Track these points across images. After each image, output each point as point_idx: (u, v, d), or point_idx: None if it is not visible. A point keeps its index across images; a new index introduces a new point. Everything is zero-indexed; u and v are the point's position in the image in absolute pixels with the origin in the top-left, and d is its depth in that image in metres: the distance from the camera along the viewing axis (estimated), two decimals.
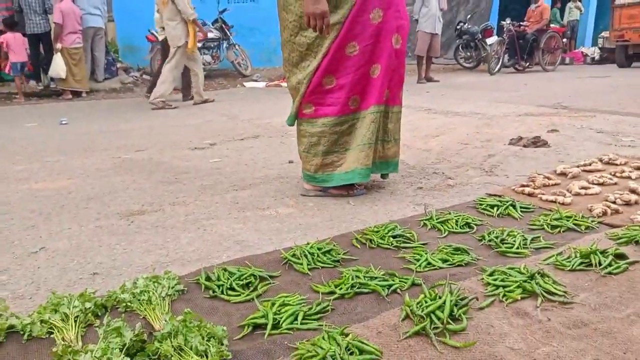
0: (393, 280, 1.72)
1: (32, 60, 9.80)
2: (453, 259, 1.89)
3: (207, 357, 1.30)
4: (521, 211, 2.44)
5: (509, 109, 6.22)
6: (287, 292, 1.70)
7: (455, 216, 2.35)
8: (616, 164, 3.19)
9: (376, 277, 1.74)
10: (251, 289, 1.73)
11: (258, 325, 1.50)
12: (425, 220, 2.35)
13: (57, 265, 2.04)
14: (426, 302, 1.53)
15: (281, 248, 2.06)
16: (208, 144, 4.64)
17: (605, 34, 14.70)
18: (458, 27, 13.12)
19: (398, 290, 1.67)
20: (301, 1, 2.52)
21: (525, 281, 1.64)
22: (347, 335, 1.39)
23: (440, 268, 1.84)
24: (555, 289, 1.61)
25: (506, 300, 1.58)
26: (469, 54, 13.24)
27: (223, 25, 11.14)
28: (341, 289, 1.68)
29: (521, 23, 12.73)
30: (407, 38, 2.79)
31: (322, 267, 1.89)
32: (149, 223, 2.51)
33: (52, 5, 9.39)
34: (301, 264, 1.89)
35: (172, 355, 1.29)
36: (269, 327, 1.46)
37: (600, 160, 3.28)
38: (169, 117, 6.75)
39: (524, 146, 3.97)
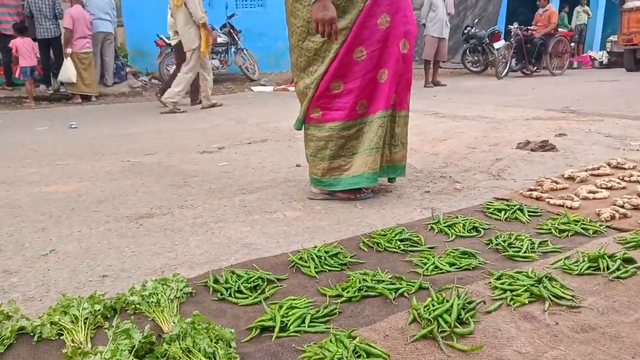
0: (400, 284, 1.72)
1: (42, 65, 9.90)
2: (460, 263, 1.89)
3: (215, 359, 1.31)
4: (529, 215, 2.43)
5: (516, 113, 6.21)
6: (295, 295, 1.71)
7: (462, 220, 2.35)
8: (624, 168, 3.17)
9: (383, 281, 1.75)
10: (259, 291, 1.74)
11: (266, 327, 1.51)
12: (433, 224, 2.35)
13: (67, 267, 2.06)
14: (433, 305, 1.53)
15: (289, 251, 2.07)
16: (216, 147, 4.66)
17: (613, 37, 14.63)
18: (465, 31, 13.11)
19: (405, 294, 1.67)
20: (309, 7, 2.54)
21: (532, 285, 1.64)
22: (354, 338, 1.39)
23: (448, 272, 1.84)
24: (563, 293, 1.61)
25: (514, 304, 1.57)
26: (476, 58, 13.21)
27: (231, 30, 11.19)
28: (348, 292, 1.69)
29: (529, 27, 12.69)
30: (414, 43, 2.80)
31: (330, 271, 1.90)
32: (158, 226, 2.53)
33: (62, 11, 9.49)
34: (308, 267, 1.90)
35: (180, 357, 1.30)
36: (276, 329, 1.47)
37: (609, 165, 3.26)
38: (177, 121, 6.79)
39: (532, 150, 3.96)
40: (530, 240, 2.08)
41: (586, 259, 1.83)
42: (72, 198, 3.11)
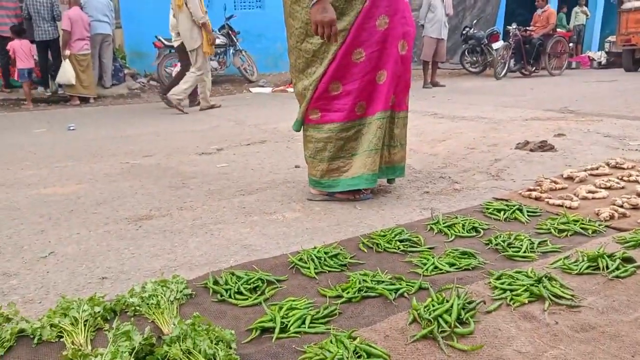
0: (400, 284, 1.72)
1: (40, 67, 9.89)
2: (460, 263, 1.89)
3: None
4: (528, 215, 2.43)
5: (515, 113, 6.21)
6: (295, 296, 1.71)
7: (462, 220, 2.35)
8: (623, 168, 3.18)
9: (383, 281, 1.75)
10: (259, 293, 1.74)
11: (266, 328, 1.50)
12: (432, 224, 2.35)
13: (66, 269, 2.06)
14: (433, 305, 1.53)
15: (288, 252, 2.07)
16: (215, 149, 4.66)
17: (611, 38, 14.65)
18: (464, 32, 13.12)
19: (405, 294, 1.67)
20: (307, 8, 2.54)
21: (532, 285, 1.64)
22: (354, 338, 1.39)
23: (448, 272, 1.84)
24: (562, 292, 1.61)
25: (513, 303, 1.57)
26: (475, 58, 13.22)
27: (230, 32, 11.19)
28: (348, 292, 1.69)
29: (527, 28, 12.71)
30: (413, 44, 2.80)
31: (329, 271, 1.90)
32: (157, 228, 2.53)
33: (60, 13, 9.49)
34: (308, 268, 1.90)
35: (181, 359, 1.30)
36: (276, 330, 1.47)
37: (608, 164, 3.27)
38: (175, 122, 6.79)
39: (531, 150, 3.96)
40: (530, 240, 2.08)
41: (585, 258, 1.83)
42: (70, 200, 3.10)
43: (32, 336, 1.48)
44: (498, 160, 3.73)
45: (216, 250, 2.20)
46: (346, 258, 1.99)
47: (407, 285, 1.72)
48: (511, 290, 1.64)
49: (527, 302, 1.58)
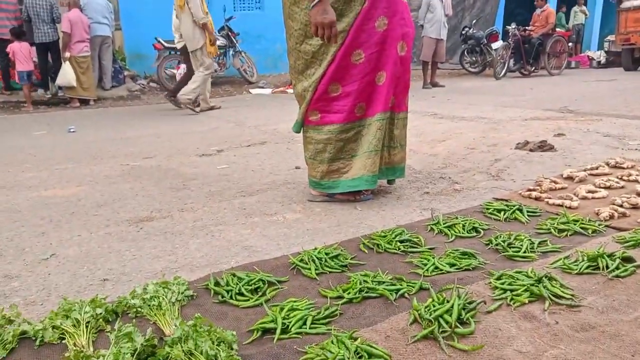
0: (401, 285, 1.73)
1: (40, 69, 9.91)
2: (460, 263, 1.90)
3: None
4: (528, 215, 2.44)
5: (515, 113, 6.22)
6: (296, 297, 1.71)
7: (462, 220, 2.36)
8: (623, 168, 3.18)
9: (384, 282, 1.75)
10: (260, 294, 1.75)
11: (267, 329, 1.51)
12: (432, 224, 2.36)
13: (68, 271, 2.06)
14: (434, 306, 1.53)
15: (289, 253, 2.08)
16: (215, 150, 4.67)
17: (611, 37, 14.67)
18: (463, 32, 13.14)
19: (406, 295, 1.68)
20: (306, 10, 2.55)
21: (532, 285, 1.65)
22: (355, 339, 1.40)
23: (448, 272, 1.85)
24: (562, 292, 1.62)
25: (514, 303, 1.58)
26: (474, 58, 13.24)
27: (229, 33, 11.21)
28: (349, 293, 1.69)
29: (526, 27, 12.72)
30: (412, 45, 2.81)
31: (330, 272, 1.90)
32: (158, 229, 2.54)
33: (60, 15, 9.50)
34: (309, 269, 1.90)
35: None
36: (278, 331, 1.47)
37: (607, 164, 3.27)
38: (175, 124, 6.80)
39: (531, 150, 3.97)
40: (530, 240, 2.09)
41: (585, 258, 1.84)
42: (71, 202, 3.11)
43: (34, 338, 1.49)
44: (498, 160, 3.74)
45: (217, 252, 2.21)
46: (347, 259, 1.99)
47: (407, 285, 1.72)
48: (511, 290, 1.64)
49: (527, 302, 1.58)
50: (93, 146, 5.25)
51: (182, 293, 1.72)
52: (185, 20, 7.17)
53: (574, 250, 1.96)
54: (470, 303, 1.56)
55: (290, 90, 7.99)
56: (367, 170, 2.71)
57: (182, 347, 1.33)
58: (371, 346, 1.35)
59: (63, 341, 1.47)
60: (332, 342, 1.37)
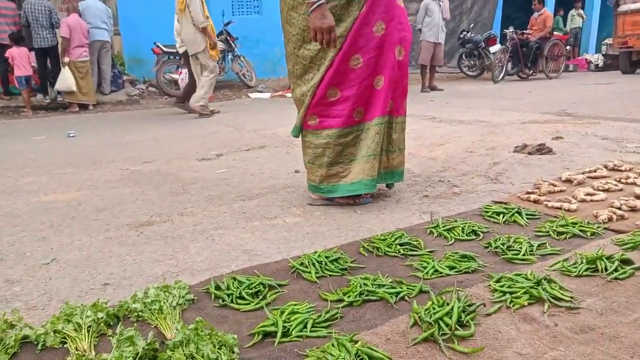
0: (401, 288, 1.73)
1: (39, 74, 9.92)
2: (460, 266, 1.91)
3: None
4: (527, 218, 2.45)
5: (513, 116, 6.24)
6: (296, 300, 1.72)
7: (461, 224, 2.36)
8: (621, 170, 3.20)
9: (384, 285, 1.76)
10: (260, 297, 1.75)
11: (268, 333, 1.51)
12: (432, 228, 2.37)
13: (69, 276, 2.07)
14: (434, 308, 1.54)
15: (289, 257, 2.08)
16: (214, 154, 4.68)
17: (608, 40, 14.73)
18: (461, 35, 13.19)
19: (406, 298, 1.68)
20: (304, 15, 2.56)
21: (532, 287, 1.66)
22: (356, 342, 1.40)
23: (448, 275, 1.86)
24: (562, 294, 1.63)
25: (513, 306, 1.59)
26: (472, 62, 13.29)
27: (228, 37, 11.23)
28: (349, 296, 1.70)
29: (524, 31, 12.77)
30: (410, 49, 2.82)
31: (330, 276, 1.91)
32: (158, 233, 2.54)
33: (59, 20, 9.52)
34: (309, 272, 1.91)
35: None
36: (278, 334, 1.48)
37: (605, 167, 3.29)
38: (175, 128, 6.80)
39: (529, 153, 3.98)
40: (529, 242, 2.10)
41: (584, 260, 1.85)
42: (71, 207, 3.11)
43: (35, 342, 1.49)
44: (496, 163, 3.75)
45: (217, 256, 2.21)
46: (347, 262, 2.00)
47: (407, 288, 1.73)
48: (511, 293, 1.65)
49: (526, 304, 1.59)
50: (92, 151, 5.26)
51: (183, 297, 1.72)
52: (186, 24, 7.20)
53: (572, 253, 1.97)
54: (470, 305, 1.57)
55: (289, 94, 8.01)
56: (366, 174, 2.72)
57: (183, 350, 1.34)
58: (372, 349, 1.36)
59: (65, 345, 1.47)
60: (333, 345, 1.38)
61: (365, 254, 2.11)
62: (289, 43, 2.75)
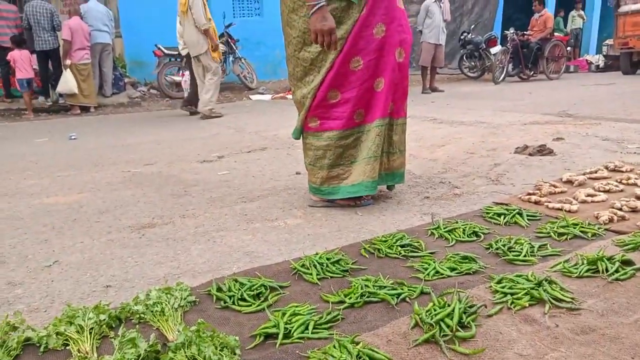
0: (402, 289, 1.74)
1: (40, 77, 9.94)
2: (461, 268, 1.91)
3: None
4: (528, 219, 2.45)
5: (514, 117, 6.24)
6: (298, 302, 1.72)
7: (462, 225, 2.37)
8: (622, 171, 3.19)
9: (385, 286, 1.77)
10: (262, 299, 1.76)
11: (269, 334, 1.52)
12: (433, 229, 2.37)
13: (71, 278, 2.07)
14: (435, 310, 1.54)
15: (290, 259, 2.09)
16: (216, 156, 4.68)
17: (609, 41, 14.72)
18: (462, 37, 13.19)
19: (407, 299, 1.69)
20: (305, 17, 2.57)
21: (532, 288, 1.66)
22: (357, 343, 1.41)
23: (449, 276, 1.86)
24: (562, 295, 1.63)
25: (514, 307, 1.59)
26: (473, 63, 13.29)
27: (229, 40, 11.25)
28: (351, 298, 1.70)
29: (525, 32, 12.78)
30: (410, 51, 2.83)
31: (332, 277, 1.91)
32: (160, 236, 2.55)
33: (60, 22, 9.54)
34: (310, 274, 1.91)
35: None
36: (280, 336, 1.48)
37: (606, 168, 3.29)
38: (176, 130, 6.82)
39: (530, 155, 3.98)
40: (530, 244, 2.10)
41: (585, 261, 1.85)
42: (73, 209, 3.12)
43: (38, 344, 1.50)
44: (497, 164, 3.76)
45: (219, 258, 2.22)
46: (348, 264, 2.00)
47: (408, 290, 1.73)
48: (512, 294, 1.66)
49: (527, 305, 1.59)
50: (94, 153, 5.27)
51: (185, 299, 1.73)
52: (188, 26, 7.22)
53: (573, 254, 1.98)
54: (471, 307, 1.57)
55: (290, 96, 8.03)
56: (366, 176, 2.72)
57: (185, 352, 1.35)
58: (373, 350, 1.37)
59: (67, 347, 1.48)
60: (334, 347, 1.39)
61: (367, 256, 2.11)
62: (289, 45, 2.75)
